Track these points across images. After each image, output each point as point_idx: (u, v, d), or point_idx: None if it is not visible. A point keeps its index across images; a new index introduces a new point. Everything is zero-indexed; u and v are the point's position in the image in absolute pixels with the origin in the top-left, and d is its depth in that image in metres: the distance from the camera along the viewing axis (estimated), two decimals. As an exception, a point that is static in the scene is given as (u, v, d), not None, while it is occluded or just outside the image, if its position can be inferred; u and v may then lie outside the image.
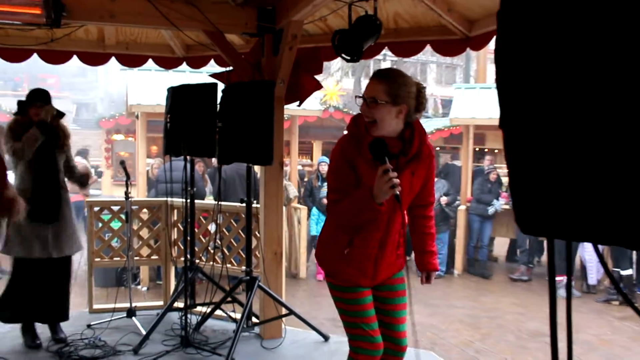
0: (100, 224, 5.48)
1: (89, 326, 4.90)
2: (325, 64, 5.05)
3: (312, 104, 10.29)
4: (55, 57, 5.52)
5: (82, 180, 4.85)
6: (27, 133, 4.28)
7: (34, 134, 4.29)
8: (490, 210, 9.50)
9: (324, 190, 8.94)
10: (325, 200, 8.82)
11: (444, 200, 9.27)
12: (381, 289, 2.96)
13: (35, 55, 5.37)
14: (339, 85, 17.94)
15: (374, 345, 2.83)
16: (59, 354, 4.31)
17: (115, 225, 5.57)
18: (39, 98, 4.44)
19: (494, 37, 4.10)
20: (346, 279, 2.83)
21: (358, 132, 2.71)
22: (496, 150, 15.85)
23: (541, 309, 7.62)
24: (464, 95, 11.38)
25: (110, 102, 35.63)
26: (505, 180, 10.40)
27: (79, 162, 7.49)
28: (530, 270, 9.40)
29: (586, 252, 8.41)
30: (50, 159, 4.47)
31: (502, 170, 11.79)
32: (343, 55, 3.88)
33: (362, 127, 2.70)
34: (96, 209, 5.46)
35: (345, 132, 2.84)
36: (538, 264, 9.84)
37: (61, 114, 4.59)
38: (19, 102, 4.52)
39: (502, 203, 9.69)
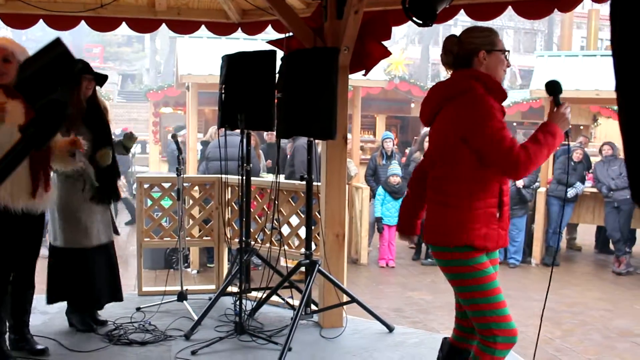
0: (150, 202, 5.63)
1: (138, 309, 5.06)
2: (388, 30, 5.00)
3: (376, 74, 10.20)
4: (104, 24, 5.66)
5: (127, 143, 4.88)
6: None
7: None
8: (571, 192, 9.24)
9: (392, 168, 8.89)
10: (394, 179, 8.78)
11: (519, 182, 9.06)
12: None
13: (82, 23, 5.53)
14: (405, 54, 17.75)
15: (514, 331, 3.00)
16: (109, 337, 4.48)
17: (166, 203, 5.71)
18: (88, 70, 4.54)
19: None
20: (501, 244, 3.03)
21: (490, 83, 3.00)
22: (581, 127, 15.43)
23: (632, 305, 7.41)
24: (546, 64, 11.06)
25: (156, 73, 36.38)
26: (593, 160, 10.11)
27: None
28: (620, 262, 9.15)
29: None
30: (107, 142, 4.59)
31: (590, 149, 11.45)
32: (414, 19, 3.83)
33: (491, 79, 3.02)
34: (146, 185, 5.61)
35: (473, 92, 2.98)
36: (629, 255, 9.54)
37: (103, 79, 4.60)
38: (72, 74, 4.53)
39: (586, 186, 9.42)
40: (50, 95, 1.54)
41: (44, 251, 4.37)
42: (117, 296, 4.80)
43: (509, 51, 3.16)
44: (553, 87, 3.02)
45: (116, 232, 4.78)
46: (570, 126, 3.01)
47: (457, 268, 3.00)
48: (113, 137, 4.77)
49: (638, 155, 0.85)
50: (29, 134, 1.47)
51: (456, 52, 3.11)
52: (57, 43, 1.71)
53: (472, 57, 3.06)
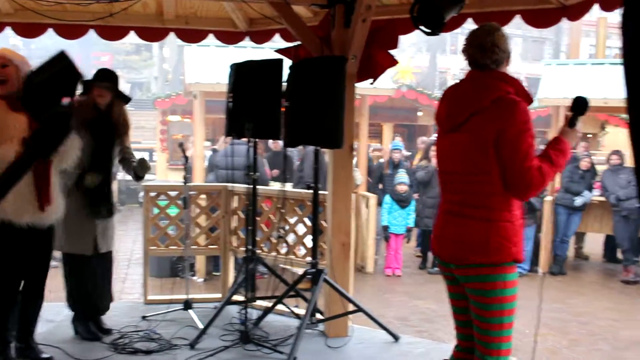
0: (156, 210, 5.62)
1: (144, 318, 5.05)
2: (396, 38, 4.98)
3: (384, 83, 10.17)
4: (112, 33, 5.67)
5: (139, 171, 4.71)
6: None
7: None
8: (578, 201, 9.19)
9: (400, 177, 8.83)
10: (402, 187, 8.75)
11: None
12: None
13: (90, 32, 5.54)
14: (412, 62, 17.76)
15: (511, 351, 2.97)
16: (114, 345, 4.46)
17: (172, 211, 5.70)
18: (105, 78, 4.54)
19: (595, 5, 3.89)
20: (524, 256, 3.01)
21: (519, 87, 2.90)
22: (589, 135, 15.35)
23: (640, 315, 7.37)
24: (554, 72, 11.04)
25: (164, 82, 36.52)
26: (600, 168, 10.05)
27: None
28: (629, 271, 9.09)
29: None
30: (107, 152, 4.57)
31: (597, 157, 11.39)
32: (422, 27, 3.81)
33: (519, 83, 2.92)
34: (152, 194, 5.61)
35: (511, 97, 2.84)
36: (637, 264, 9.48)
37: (126, 99, 4.65)
38: (84, 81, 4.43)
39: (594, 194, 9.37)
40: (55, 107, 1.54)
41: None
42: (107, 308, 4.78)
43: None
44: (582, 107, 2.98)
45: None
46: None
47: (499, 283, 2.81)
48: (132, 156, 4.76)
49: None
50: (33, 145, 1.47)
51: (500, 50, 2.90)
52: (62, 56, 1.71)
53: (504, 59, 2.93)
